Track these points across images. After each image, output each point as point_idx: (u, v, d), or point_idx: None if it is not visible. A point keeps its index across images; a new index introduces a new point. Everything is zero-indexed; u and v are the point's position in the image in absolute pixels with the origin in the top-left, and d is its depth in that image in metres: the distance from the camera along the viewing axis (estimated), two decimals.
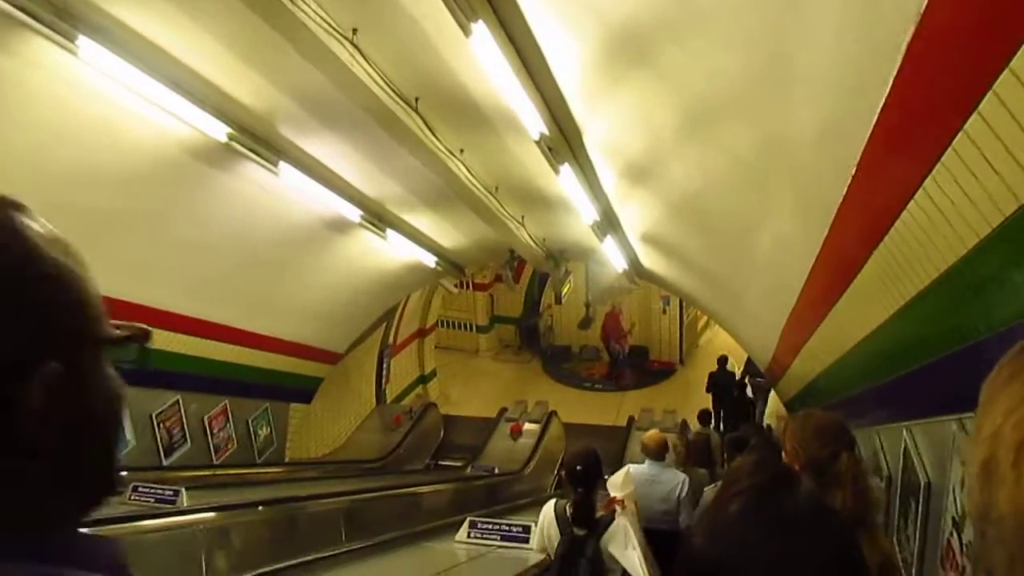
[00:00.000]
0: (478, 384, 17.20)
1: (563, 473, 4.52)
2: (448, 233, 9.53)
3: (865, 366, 5.01)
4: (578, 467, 4.04)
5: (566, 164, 6.07)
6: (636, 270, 9.75)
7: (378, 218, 8.37)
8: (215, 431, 9.18)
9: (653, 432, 6.02)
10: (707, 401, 13.08)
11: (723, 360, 13.52)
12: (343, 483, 9.22)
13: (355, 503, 7.73)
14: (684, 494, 5.39)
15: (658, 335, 17.78)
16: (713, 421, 11.99)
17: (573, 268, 16.93)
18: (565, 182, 6.41)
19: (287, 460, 11.09)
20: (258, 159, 6.35)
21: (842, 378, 5.89)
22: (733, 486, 1.39)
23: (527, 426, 13.70)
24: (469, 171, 7.08)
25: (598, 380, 17.12)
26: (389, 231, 8.58)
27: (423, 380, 16.25)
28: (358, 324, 11.26)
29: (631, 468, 4.64)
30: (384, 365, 14.57)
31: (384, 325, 14.06)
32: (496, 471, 11.92)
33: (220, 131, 5.91)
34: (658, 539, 4.37)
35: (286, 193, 7.28)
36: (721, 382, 13.45)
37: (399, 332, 14.95)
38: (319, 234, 8.43)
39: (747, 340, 9.95)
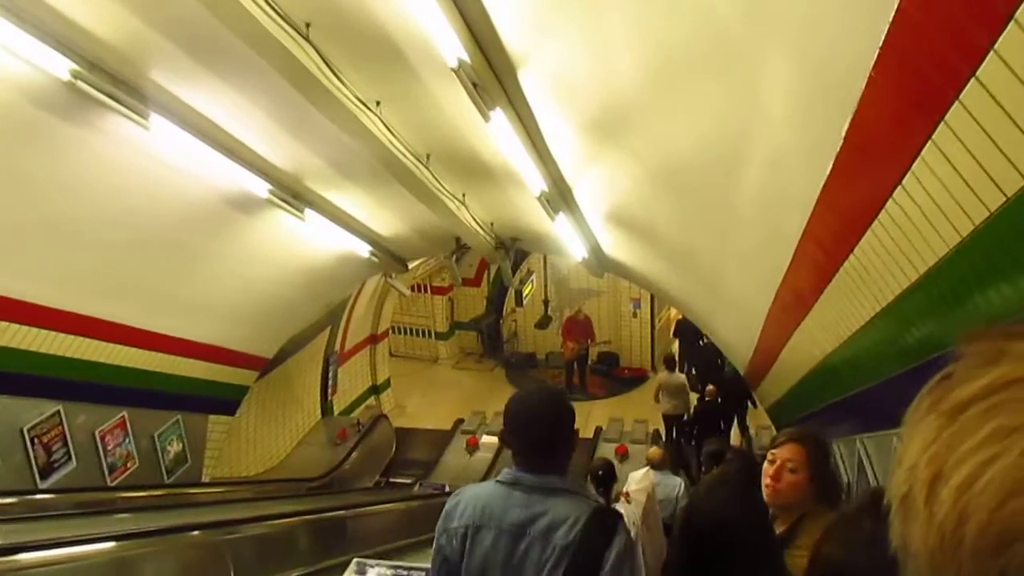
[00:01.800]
0: (436, 394, 15.96)
1: (588, 476, 6.17)
2: (382, 217, 8.33)
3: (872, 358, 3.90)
4: (600, 472, 6.06)
5: (498, 109, 4.91)
6: (599, 259, 8.59)
7: (293, 195, 7.16)
8: (110, 447, 7.88)
9: (655, 448, 7.57)
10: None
11: None
12: (255, 507, 7.97)
13: (251, 534, 6.53)
14: (681, 493, 6.88)
15: (628, 341, 16.63)
16: (678, 366, 12.98)
17: (535, 268, 15.90)
18: (499, 133, 5.25)
19: (208, 480, 9.81)
20: (120, 107, 5.12)
21: (844, 372, 4.78)
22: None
23: (485, 439, 12.53)
24: (390, 131, 5.90)
25: (566, 389, 15.92)
26: (308, 211, 7.36)
27: (375, 390, 14.99)
28: (286, 325, 9.97)
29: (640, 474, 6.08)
30: (330, 374, 13.31)
31: (329, 330, 12.83)
32: (447, 489, 10.70)
33: (61, 67, 4.69)
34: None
35: (173, 160, 6.06)
36: (686, 328, 14.34)
37: (347, 338, 13.70)
38: (224, 215, 7.19)
39: (724, 338, 8.84)
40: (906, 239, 2.75)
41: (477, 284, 17.13)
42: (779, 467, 2.72)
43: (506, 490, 2.45)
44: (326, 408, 13.31)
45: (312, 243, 8.33)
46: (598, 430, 12.40)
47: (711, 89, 4.02)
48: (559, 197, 6.66)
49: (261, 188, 6.72)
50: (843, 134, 2.63)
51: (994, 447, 0.54)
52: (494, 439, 12.48)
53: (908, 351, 3.20)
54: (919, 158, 2.25)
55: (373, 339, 14.84)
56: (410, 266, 10.05)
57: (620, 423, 12.94)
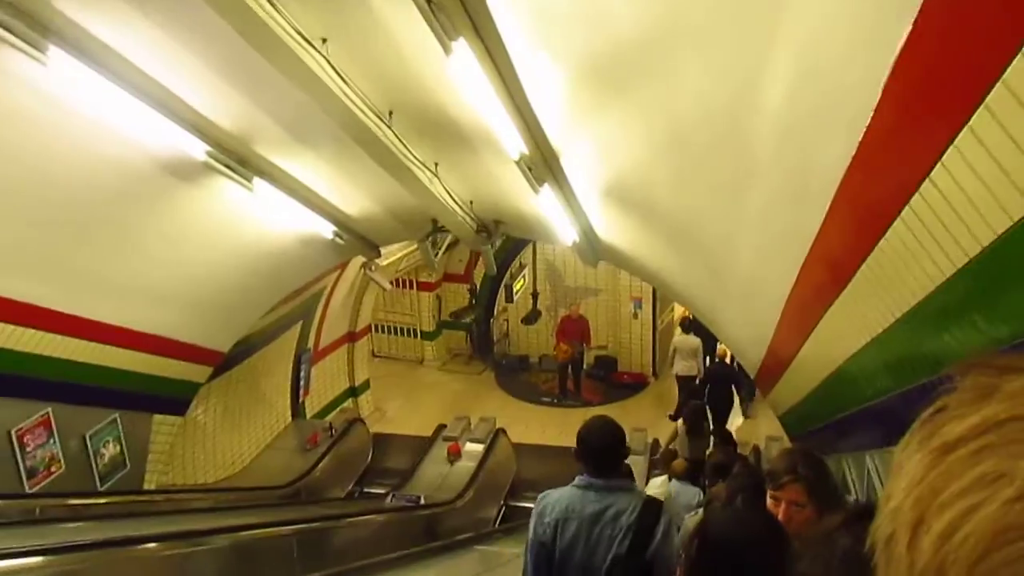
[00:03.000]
0: (421, 398, 15.01)
1: None
2: (347, 193, 7.37)
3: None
4: None
5: (462, 40, 3.97)
6: (591, 243, 7.64)
7: (239, 161, 6.22)
8: (29, 448, 6.92)
9: (679, 460, 7.79)
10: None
11: None
12: (202, 519, 7.03)
13: (197, 550, 5.64)
14: (701, 500, 6.69)
15: (627, 344, 15.64)
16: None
17: (528, 261, 14.94)
18: (465, 74, 4.30)
19: (154, 487, 8.84)
20: (7, 34, 4.20)
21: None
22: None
23: (468, 446, 11.51)
24: (342, 77, 4.95)
25: (559, 394, 14.93)
26: (258, 181, 6.42)
27: (353, 393, 14.02)
28: (242, 315, 8.99)
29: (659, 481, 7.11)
30: (302, 373, 12.34)
31: (301, 324, 11.87)
32: (422, 501, 9.73)
33: None
34: None
35: (86, 110, 5.12)
36: None
37: (321, 335, 12.74)
38: (159, 184, 6.24)
39: (733, 334, 7.89)
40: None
41: (467, 280, 16.17)
42: (787, 508, 2.90)
43: (581, 492, 3.55)
44: (297, 410, 12.34)
45: (267, 221, 7.38)
46: None
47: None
48: (543, 164, 5.71)
49: (197, 149, 5.78)
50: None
51: (979, 494, 0.51)
52: (479, 447, 11.48)
53: (977, 339, 2.25)
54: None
55: (351, 337, 13.87)
56: (383, 251, 9.08)
57: None
